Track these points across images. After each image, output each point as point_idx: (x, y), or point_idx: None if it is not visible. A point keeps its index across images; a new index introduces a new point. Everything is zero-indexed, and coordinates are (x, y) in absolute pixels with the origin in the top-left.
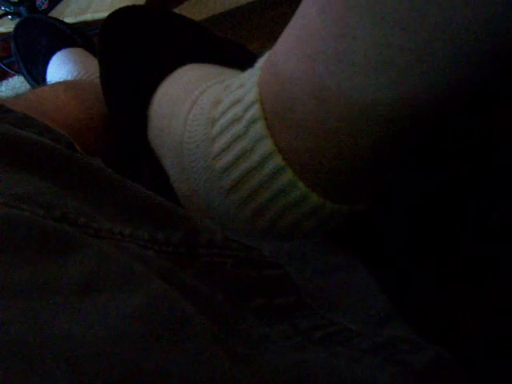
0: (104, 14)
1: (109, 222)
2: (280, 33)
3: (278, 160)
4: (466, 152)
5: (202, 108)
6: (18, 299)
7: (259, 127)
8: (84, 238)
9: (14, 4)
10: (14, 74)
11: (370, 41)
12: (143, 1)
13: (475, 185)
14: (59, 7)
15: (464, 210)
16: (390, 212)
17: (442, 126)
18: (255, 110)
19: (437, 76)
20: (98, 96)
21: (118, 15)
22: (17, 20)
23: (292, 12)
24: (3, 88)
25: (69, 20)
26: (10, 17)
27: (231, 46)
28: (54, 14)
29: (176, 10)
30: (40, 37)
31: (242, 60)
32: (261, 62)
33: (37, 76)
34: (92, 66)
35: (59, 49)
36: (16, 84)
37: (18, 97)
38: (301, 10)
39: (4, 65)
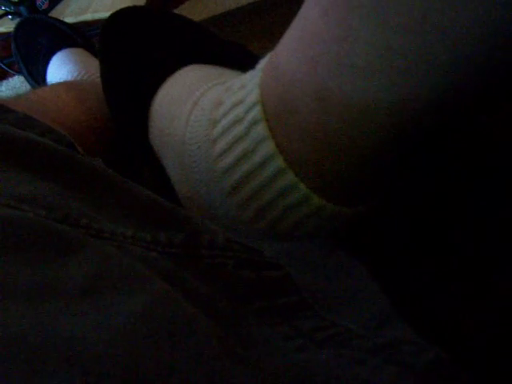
0: (104, 14)
1: (111, 223)
2: (280, 33)
3: (279, 162)
4: (465, 152)
5: (204, 109)
6: (21, 300)
7: (260, 129)
8: (86, 239)
9: (14, 4)
10: (14, 74)
11: (372, 43)
12: (143, 1)
13: (475, 185)
14: (59, 7)
15: (464, 210)
16: (390, 212)
17: (442, 127)
18: (257, 112)
19: (437, 78)
20: (99, 96)
21: (119, 16)
22: (17, 20)
23: (292, 13)
24: (3, 88)
25: (69, 20)
26: (10, 17)
27: (232, 47)
28: (54, 13)
29: (176, 11)
30: (40, 37)
31: (242, 61)
32: (262, 64)
33: (37, 76)
34: (92, 66)
35: (59, 49)
36: (16, 84)
37: (18, 97)
38: (303, 12)
39: (4, 65)
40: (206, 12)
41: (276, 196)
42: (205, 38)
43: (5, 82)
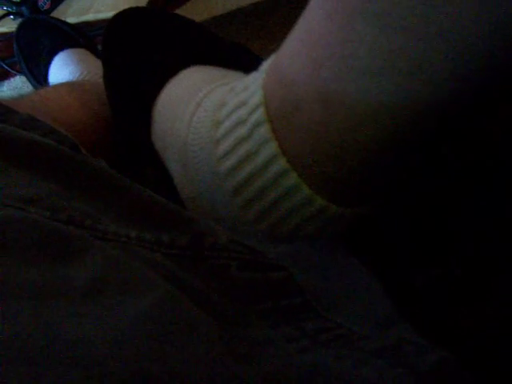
0: (106, 15)
1: (114, 224)
2: (281, 34)
3: (282, 163)
4: (465, 152)
5: (207, 110)
6: (26, 300)
7: (264, 130)
8: (91, 240)
9: (16, 4)
10: (15, 74)
11: (375, 46)
12: (145, 1)
13: (475, 185)
14: (61, 7)
15: (464, 210)
16: (390, 212)
17: (444, 128)
18: (260, 113)
19: (440, 80)
20: (101, 97)
21: (122, 17)
22: (19, 20)
23: (293, 14)
24: (5, 88)
25: (71, 20)
26: (12, 17)
27: (234, 48)
28: (55, 14)
29: (177, 11)
30: (42, 37)
31: (245, 62)
32: (265, 65)
33: (39, 76)
34: (94, 66)
35: (61, 49)
36: (18, 84)
37: (21, 97)
38: (306, 15)
39: (6, 65)
40: (207, 13)
41: (279, 197)
42: (207, 39)
43: (6, 82)
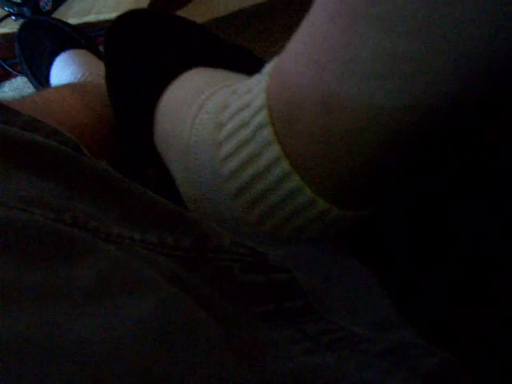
0: (107, 16)
1: (117, 225)
2: (282, 36)
3: (285, 165)
4: (465, 152)
5: (209, 112)
6: (30, 302)
7: (267, 133)
8: (95, 242)
9: (17, 5)
10: (17, 75)
11: (378, 49)
12: (146, 3)
13: (475, 185)
14: (62, 8)
15: (464, 210)
16: (391, 212)
17: (446, 131)
18: (263, 116)
19: (442, 83)
20: (103, 98)
21: (124, 18)
22: (20, 21)
23: (295, 15)
24: (6, 89)
25: (72, 21)
26: (13, 17)
27: (236, 50)
28: (57, 14)
29: (179, 13)
30: (44, 38)
31: (247, 64)
32: (268, 68)
33: (40, 77)
34: (95, 67)
35: (63, 50)
36: (19, 85)
37: (23, 99)
38: (309, 18)
39: (7, 65)
40: (209, 14)
41: (281, 199)
42: (210, 41)
43: (8, 83)
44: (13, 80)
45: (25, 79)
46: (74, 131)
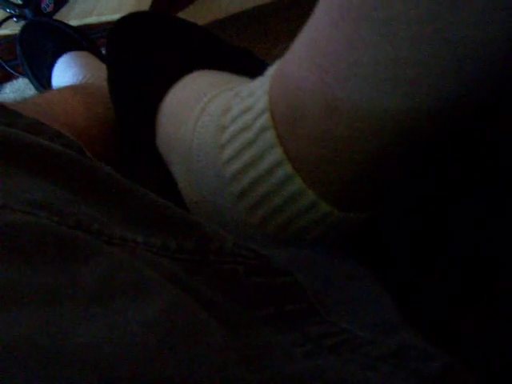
0: (109, 17)
1: (121, 228)
2: (285, 38)
3: (287, 168)
4: (465, 152)
5: (211, 115)
6: (36, 306)
7: (269, 136)
8: (99, 245)
9: (18, 6)
10: (18, 76)
11: (381, 53)
12: (148, 5)
13: (475, 185)
14: (64, 10)
15: (464, 210)
16: (390, 213)
17: (448, 133)
18: (265, 119)
19: (445, 88)
20: (105, 101)
21: (126, 21)
22: (22, 22)
23: (296, 17)
24: (7, 90)
25: (73, 23)
26: (15, 19)
27: (238, 52)
28: (58, 16)
29: (180, 14)
30: (45, 40)
31: (249, 66)
32: (271, 71)
33: (42, 79)
34: (97, 69)
35: (64, 52)
36: (20, 86)
37: (25, 101)
38: (312, 22)
39: (9, 67)
40: (210, 16)
41: (284, 202)
42: (212, 43)
43: (9, 84)
44: (14, 81)
45: (26, 81)
46: (77, 133)
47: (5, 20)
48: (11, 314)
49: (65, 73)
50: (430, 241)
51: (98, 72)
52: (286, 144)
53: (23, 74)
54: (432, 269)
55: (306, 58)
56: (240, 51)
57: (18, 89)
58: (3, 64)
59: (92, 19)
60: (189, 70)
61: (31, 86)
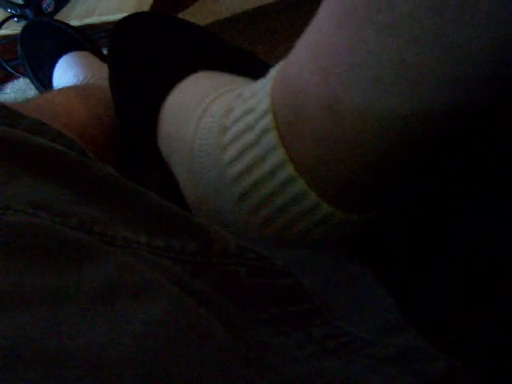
0: (110, 18)
1: (124, 230)
2: (285, 38)
3: (289, 169)
4: (465, 152)
5: (214, 116)
6: (40, 306)
7: (271, 137)
8: (101, 246)
9: (19, 6)
10: (19, 76)
11: (385, 55)
12: (148, 5)
13: (475, 185)
14: (65, 10)
15: (464, 210)
16: (390, 213)
17: (450, 135)
18: (268, 120)
19: (448, 90)
20: (107, 101)
21: (128, 21)
22: (23, 22)
23: (298, 18)
24: (8, 90)
25: (74, 23)
26: (15, 19)
27: (240, 53)
28: (59, 16)
29: (181, 15)
30: (46, 40)
31: (250, 67)
32: (273, 72)
33: (43, 79)
34: (98, 69)
35: (65, 52)
36: (21, 86)
37: (27, 101)
38: (316, 24)
39: (10, 67)
40: (211, 17)
41: (286, 203)
42: (212, 43)
43: (10, 84)
44: (15, 81)
45: (27, 81)
46: (78, 134)
47: (6, 20)
48: (15, 315)
49: (66, 73)
50: (430, 241)
51: (99, 72)
52: (288, 145)
53: (24, 74)
54: (432, 269)
55: (309, 59)
56: (241, 52)
57: (19, 89)
58: (4, 64)
59: (93, 19)
60: (190, 70)
61: (32, 86)
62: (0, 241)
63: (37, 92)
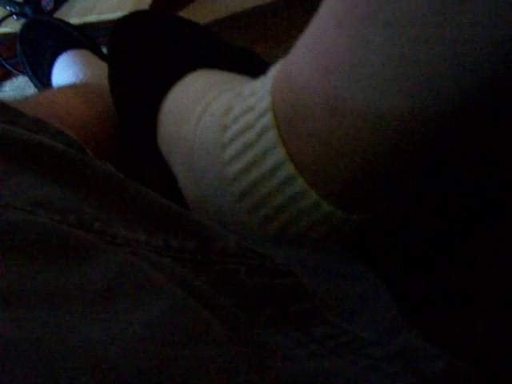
0: (109, 16)
1: (123, 228)
2: (286, 37)
3: (289, 168)
4: (466, 152)
5: (213, 115)
6: (39, 305)
7: (271, 136)
8: (101, 244)
9: (19, 4)
10: (18, 74)
11: (386, 53)
12: (148, 3)
13: (475, 185)
14: (64, 8)
15: (464, 210)
16: (391, 213)
17: (451, 135)
18: (268, 119)
19: (450, 88)
20: (106, 99)
21: (128, 20)
22: (22, 20)
23: (297, 17)
24: (7, 88)
25: (74, 21)
26: (15, 17)
27: (240, 52)
28: (58, 14)
29: (180, 14)
30: (46, 38)
31: (250, 66)
32: (273, 71)
33: (42, 77)
34: (97, 67)
35: (65, 50)
36: (20, 84)
37: (26, 99)
38: (316, 22)
39: (9, 65)
40: (211, 15)
41: (286, 202)
42: (212, 42)
43: (9, 82)
44: (14, 79)
45: (26, 79)
46: (77, 132)
47: (5, 18)
48: (13, 313)
49: (65, 71)
50: (430, 241)
51: (99, 70)
52: (288, 144)
53: (23, 72)
54: (432, 269)
55: (309, 58)
56: (241, 51)
57: (18, 87)
58: (3, 62)
59: (92, 17)
60: (190, 69)
61: (31, 84)
62: None
63: (36, 90)
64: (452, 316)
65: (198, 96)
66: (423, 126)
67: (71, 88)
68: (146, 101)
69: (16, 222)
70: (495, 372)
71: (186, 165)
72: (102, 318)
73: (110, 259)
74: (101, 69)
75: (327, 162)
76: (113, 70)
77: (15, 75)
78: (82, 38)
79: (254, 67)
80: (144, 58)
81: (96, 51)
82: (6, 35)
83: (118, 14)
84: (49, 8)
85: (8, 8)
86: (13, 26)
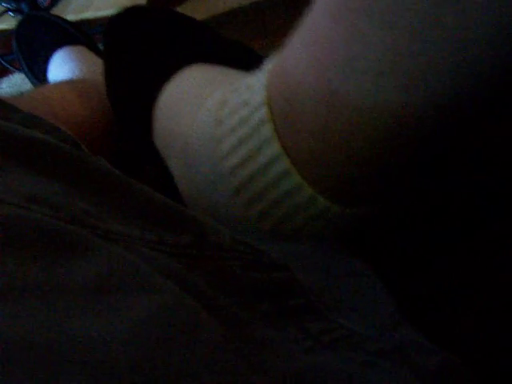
0: (105, 13)
1: (117, 223)
2: (282, 33)
3: (285, 163)
4: (465, 152)
5: (209, 109)
6: (32, 300)
7: (267, 130)
8: (94, 239)
9: (15, 1)
10: (14, 71)
11: (381, 47)
12: (144, 0)
13: (475, 185)
14: (61, 4)
15: (464, 210)
16: (389, 211)
17: (447, 130)
18: (263, 113)
19: (446, 82)
20: (102, 95)
21: (124, 15)
22: (18, 17)
23: (294, 12)
24: (4, 85)
25: (70, 18)
26: (11, 13)
27: (236, 47)
28: (55, 11)
29: (178, 9)
30: (42, 34)
31: (246, 60)
32: (269, 65)
33: (38, 73)
34: (93, 64)
35: (61, 46)
36: (17, 81)
37: (22, 95)
38: (310, 16)
39: (5, 61)
40: (208, 11)
41: (281, 197)
42: (208, 37)
43: (5, 79)
44: (11, 76)
45: (23, 75)
46: (73, 128)
47: (1, 14)
48: (4, 309)
49: (61, 67)
50: (430, 240)
51: (95, 67)
52: (283, 138)
53: (19, 69)
54: (432, 269)
55: (304, 52)
56: (237, 46)
57: (15, 83)
58: None
59: (89, 14)
60: (186, 63)
61: (27, 80)
62: None
63: (32, 87)
64: (452, 316)
65: (193, 91)
66: (418, 120)
67: (67, 84)
68: (141, 96)
69: (9, 217)
70: (495, 372)
71: (181, 160)
72: (96, 313)
73: (102, 254)
74: (97, 65)
75: (322, 156)
76: (108, 66)
77: (12, 72)
78: (79, 34)
79: (249, 62)
80: (139, 53)
81: (92, 48)
82: (3, 32)
83: (115, 11)
84: (45, 4)
85: (4, 4)
86: (9, 22)
